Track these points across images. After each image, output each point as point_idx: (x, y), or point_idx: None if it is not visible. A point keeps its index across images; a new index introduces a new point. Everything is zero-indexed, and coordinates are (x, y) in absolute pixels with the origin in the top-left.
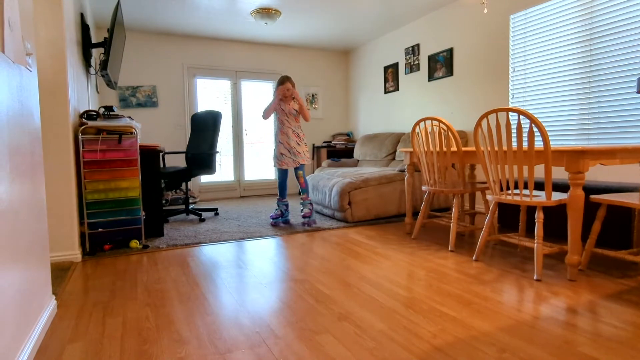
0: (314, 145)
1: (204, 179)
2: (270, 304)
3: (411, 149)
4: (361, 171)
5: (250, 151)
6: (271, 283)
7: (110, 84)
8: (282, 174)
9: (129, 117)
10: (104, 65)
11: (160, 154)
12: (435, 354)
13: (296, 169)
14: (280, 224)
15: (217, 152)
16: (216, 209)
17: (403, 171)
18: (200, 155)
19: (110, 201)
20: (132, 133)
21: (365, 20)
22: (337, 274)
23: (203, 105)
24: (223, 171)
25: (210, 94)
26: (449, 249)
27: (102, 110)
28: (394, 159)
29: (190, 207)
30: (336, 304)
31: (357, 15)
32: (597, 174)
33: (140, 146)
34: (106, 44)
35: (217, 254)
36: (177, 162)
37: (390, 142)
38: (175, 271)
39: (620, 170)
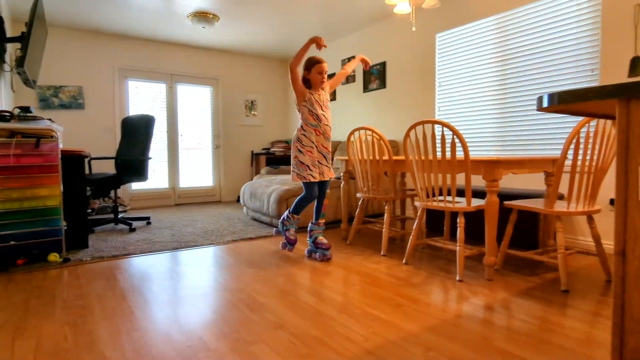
0: (252, 152)
1: (136, 186)
2: (203, 315)
3: (347, 158)
4: None
5: (186, 157)
6: (205, 294)
7: (28, 82)
8: (314, 189)
9: (49, 119)
10: (20, 61)
11: (86, 159)
12: (367, 356)
13: (326, 183)
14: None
15: (150, 157)
16: (148, 218)
17: (339, 178)
18: (131, 161)
19: (25, 211)
20: (52, 137)
21: (304, 30)
22: (274, 282)
23: (135, 108)
24: (156, 178)
25: (144, 98)
26: (382, 253)
27: (17, 111)
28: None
29: (119, 216)
30: (272, 313)
31: (296, 25)
32: (510, 182)
33: (62, 151)
34: (23, 39)
35: (148, 265)
36: (106, 168)
37: None
38: (101, 285)
39: (529, 179)
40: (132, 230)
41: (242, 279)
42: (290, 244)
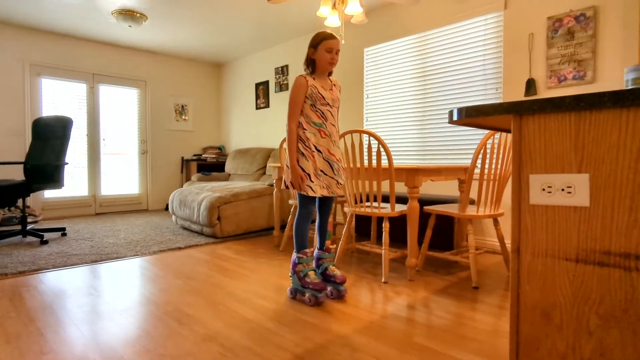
0: (182, 158)
1: (49, 194)
2: (125, 332)
3: (279, 164)
4: (232, 185)
5: (110, 163)
6: (128, 309)
7: None
8: (312, 205)
9: None
10: None
11: None
12: None
13: (331, 199)
14: (330, 293)
15: (66, 163)
16: (63, 229)
17: (272, 185)
18: (43, 166)
19: None
20: None
21: (238, 36)
22: (203, 293)
23: (50, 109)
24: (74, 185)
25: (60, 98)
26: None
27: None
28: (264, 173)
29: (28, 227)
30: (201, 325)
31: (230, 31)
32: (429, 188)
33: None
34: None
35: (62, 281)
36: (14, 174)
37: (261, 157)
38: (3, 306)
39: (446, 185)
40: (44, 242)
41: (170, 291)
42: (318, 290)
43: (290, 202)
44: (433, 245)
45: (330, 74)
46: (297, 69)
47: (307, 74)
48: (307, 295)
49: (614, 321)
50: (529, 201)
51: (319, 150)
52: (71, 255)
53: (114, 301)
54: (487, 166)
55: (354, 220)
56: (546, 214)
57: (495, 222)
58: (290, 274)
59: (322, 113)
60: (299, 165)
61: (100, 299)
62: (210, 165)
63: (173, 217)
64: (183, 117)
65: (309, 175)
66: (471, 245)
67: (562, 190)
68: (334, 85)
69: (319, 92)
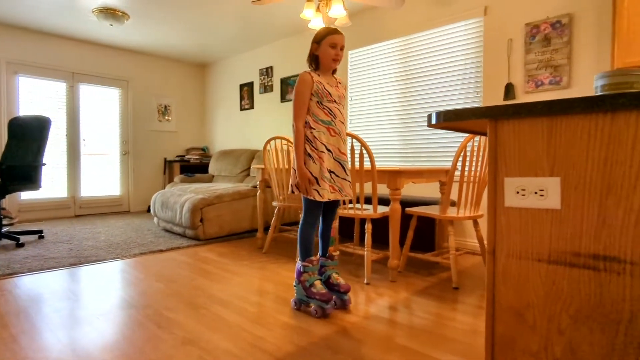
0: (165, 159)
1: (26, 195)
2: (104, 337)
3: (263, 166)
4: (215, 187)
5: (90, 164)
6: (107, 313)
7: None
8: (319, 210)
9: None
10: None
11: None
12: None
13: (337, 203)
14: (334, 304)
15: (44, 163)
16: (41, 232)
17: (256, 187)
18: (20, 167)
19: None
20: None
21: (222, 37)
22: (185, 296)
23: (28, 108)
24: (53, 186)
25: (39, 97)
26: (296, 260)
27: None
28: (248, 174)
29: (3, 230)
30: (181, 328)
31: (214, 31)
32: (412, 190)
33: None
34: None
35: (38, 285)
36: None
37: (246, 158)
38: None
39: (427, 187)
40: (20, 245)
41: (150, 295)
42: (325, 300)
43: (274, 203)
44: (415, 246)
45: (334, 71)
46: (282, 70)
47: (310, 70)
48: (312, 306)
49: (584, 320)
50: (504, 204)
51: (329, 150)
52: (48, 258)
53: (93, 305)
54: (467, 169)
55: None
56: (520, 216)
57: (475, 224)
58: (294, 284)
59: (330, 110)
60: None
61: (78, 304)
62: (193, 167)
63: (155, 219)
64: (166, 117)
65: (316, 178)
66: (452, 247)
67: (535, 193)
68: (339, 82)
69: (325, 89)
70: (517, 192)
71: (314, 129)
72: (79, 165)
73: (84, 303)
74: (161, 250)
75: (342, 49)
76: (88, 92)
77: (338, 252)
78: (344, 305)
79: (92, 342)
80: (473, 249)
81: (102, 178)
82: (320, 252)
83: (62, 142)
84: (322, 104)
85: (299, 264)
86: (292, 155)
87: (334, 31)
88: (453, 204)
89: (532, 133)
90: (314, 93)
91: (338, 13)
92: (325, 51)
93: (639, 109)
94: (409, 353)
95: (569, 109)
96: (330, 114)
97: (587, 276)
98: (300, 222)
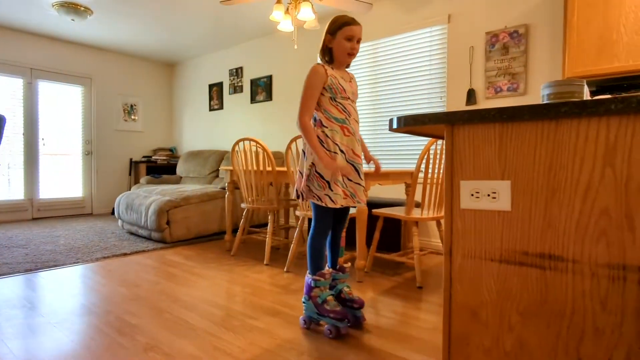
0: (131, 159)
1: None
2: (60, 346)
3: (232, 167)
4: (183, 188)
5: (49, 164)
6: (64, 321)
7: None
8: (330, 217)
9: None
10: None
11: None
12: None
13: (348, 210)
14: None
15: None
16: None
17: (225, 188)
18: None
19: None
20: None
21: (191, 36)
22: (148, 301)
23: None
24: (8, 188)
25: None
26: (265, 262)
27: None
28: (217, 176)
29: None
30: (143, 334)
31: (183, 29)
32: (379, 192)
33: None
34: None
35: None
36: None
37: (215, 160)
38: None
39: (393, 189)
40: None
41: (113, 300)
42: (340, 319)
43: (243, 205)
44: (381, 246)
45: (347, 66)
46: (252, 71)
47: (323, 63)
48: (326, 326)
49: (531, 316)
50: (460, 206)
51: (342, 151)
52: (1, 264)
53: (49, 313)
54: (430, 171)
55: (305, 223)
56: (474, 218)
57: (438, 224)
58: (303, 300)
59: (344, 107)
60: (316, 172)
61: (33, 311)
62: (160, 168)
63: (119, 221)
64: (132, 117)
65: (327, 182)
66: (416, 247)
67: (488, 195)
68: (352, 78)
69: (339, 84)
70: (472, 195)
71: (327, 127)
72: (37, 166)
73: (40, 310)
74: (125, 254)
75: (358, 41)
76: (48, 89)
77: (349, 264)
78: (357, 323)
79: (46, 352)
80: (437, 249)
81: (63, 179)
82: (328, 264)
83: (18, 141)
84: (335, 101)
85: (308, 278)
86: (301, 157)
87: (351, 21)
88: (418, 205)
89: (485, 138)
90: (327, 88)
91: (307, 16)
92: (340, 44)
93: (580, 117)
94: (375, 353)
95: (519, 116)
96: (345, 111)
97: (535, 274)
98: (310, 232)
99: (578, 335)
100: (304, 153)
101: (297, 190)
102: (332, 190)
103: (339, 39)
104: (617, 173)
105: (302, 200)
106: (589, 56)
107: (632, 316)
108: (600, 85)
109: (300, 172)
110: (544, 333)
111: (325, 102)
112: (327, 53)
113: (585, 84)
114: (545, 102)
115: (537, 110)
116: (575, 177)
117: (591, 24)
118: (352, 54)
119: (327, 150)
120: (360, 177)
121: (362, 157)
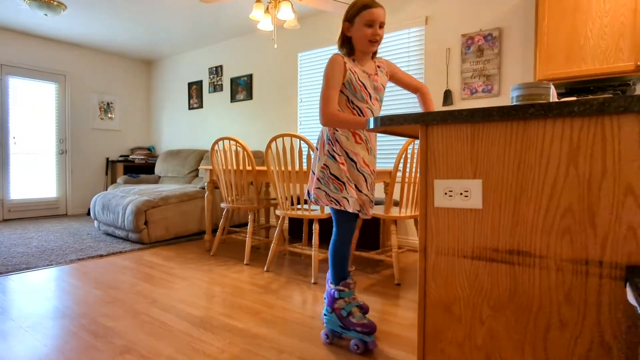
0: (107, 159)
1: None
2: (31, 351)
3: (211, 167)
4: (161, 188)
5: (21, 163)
6: (36, 325)
7: None
8: (353, 222)
9: None
10: None
11: None
12: None
13: (357, 217)
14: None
15: None
16: None
17: (204, 188)
18: None
19: None
20: None
21: (170, 33)
22: (125, 303)
23: None
24: None
25: None
26: (245, 262)
27: None
28: (197, 175)
29: None
30: (119, 337)
31: (161, 26)
32: None
33: None
34: None
35: None
36: None
37: (194, 159)
38: None
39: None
40: None
41: (87, 303)
42: (368, 332)
43: (223, 205)
44: (361, 245)
45: (374, 54)
46: (232, 70)
47: (343, 55)
48: (352, 341)
49: (501, 310)
50: (434, 204)
51: (352, 159)
52: None
53: (20, 317)
54: (408, 170)
55: (286, 222)
56: (448, 216)
57: (416, 222)
58: (324, 313)
59: (360, 111)
60: (331, 174)
61: (4, 315)
62: (138, 167)
63: (95, 222)
64: (109, 115)
65: (343, 184)
66: (394, 245)
67: (461, 194)
68: (379, 67)
69: (359, 80)
70: (445, 193)
71: (337, 130)
72: (8, 165)
73: (11, 314)
74: (101, 255)
75: (381, 26)
76: (19, 86)
77: (353, 267)
78: (366, 347)
79: (18, 357)
80: (415, 247)
81: (36, 179)
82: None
83: None
84: (351, 103)
85: (331, 288)
86: (312, 156)
87: (371, 3)
88: (396, 204)
89: (458, 138)
90: (347, 83)
91: (287, 16)
92: (359, 31)
93: (546, 118)
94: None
95: (489, 117)
96: (360, 114)
97: (504, 270)
98: (332, 239)
99: (544, 327)
100: (321, 150)
101: (308, 191)
102: (347, 192)
103: (358, 26)
104: (580, 172)
105: (313, 202)
106: (558, 59)
107: (593, 308)
108: (569, 87)
109: (313, 172)
110: (513, 326)
111: (342, 103)
112: (346, 43)
113: (552, 86)
114: (514, 103)
115: (506, 111)
116: (542, 176)
117: (560, 29)
118: (374, 40)
119: (334, 154)
120: (368, 189)
121: (375, 168)
